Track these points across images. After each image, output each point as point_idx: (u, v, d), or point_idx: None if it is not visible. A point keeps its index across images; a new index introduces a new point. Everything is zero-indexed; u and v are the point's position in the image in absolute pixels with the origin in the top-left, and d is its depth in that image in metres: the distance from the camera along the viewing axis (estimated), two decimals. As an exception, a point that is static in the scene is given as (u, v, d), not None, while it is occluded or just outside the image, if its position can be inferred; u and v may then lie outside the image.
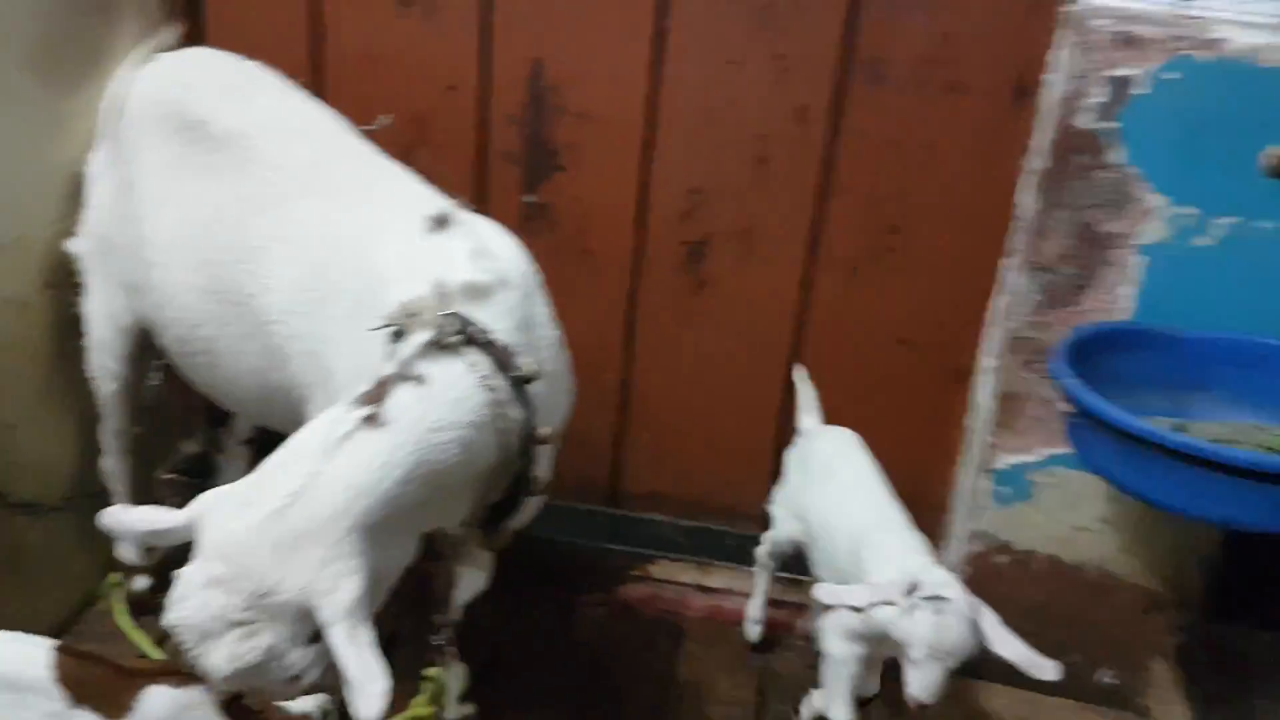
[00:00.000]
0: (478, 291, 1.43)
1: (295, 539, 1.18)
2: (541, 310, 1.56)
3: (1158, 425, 1.73)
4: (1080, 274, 1.99)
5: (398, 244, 1.52)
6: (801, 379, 2.24)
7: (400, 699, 1.95)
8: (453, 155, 2.34)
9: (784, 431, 2.45)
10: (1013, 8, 2.05)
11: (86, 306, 2.00)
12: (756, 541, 2.54)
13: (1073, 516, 2.17)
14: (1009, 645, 1.59)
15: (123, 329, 1.96)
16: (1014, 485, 2.18)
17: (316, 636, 1.19)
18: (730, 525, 2.56)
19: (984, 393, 2.24)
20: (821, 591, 1.73)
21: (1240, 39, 1.83)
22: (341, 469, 1.23)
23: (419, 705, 1.74)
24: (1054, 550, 2.21)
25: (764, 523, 2.58)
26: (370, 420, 1.27)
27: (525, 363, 1.41)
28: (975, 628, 1.59)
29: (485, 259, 1.48)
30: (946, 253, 2.24)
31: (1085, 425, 1.66)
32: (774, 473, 2.51)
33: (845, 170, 2.22)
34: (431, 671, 1.78)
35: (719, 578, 2.43)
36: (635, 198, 2.30)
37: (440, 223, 1.52)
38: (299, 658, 1.20)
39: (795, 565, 2.43)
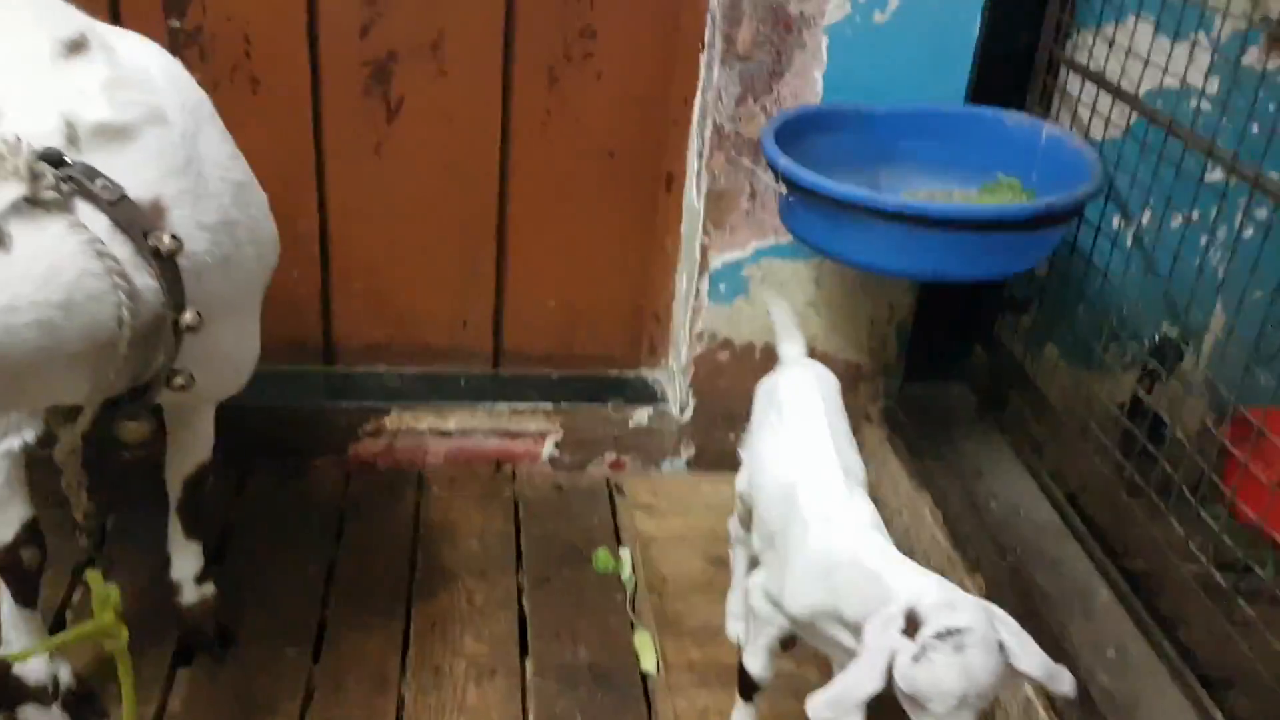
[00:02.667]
0: (114, 133, 1.19)
1: None
2: (215, 149, 1.33)
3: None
4: (775, 61, 2.01)
5: (21, 72, 1.23)
6: (776, 304, 1.87)
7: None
8: (71, -23, 1.96)
9: (505, 254, 2.36)
10: None
11: None
12: (491, 380, 2.48)
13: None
14: (1032, 658, 1.21)
15: None
16: (729, 282, 2.23)
17: None
18: (463, 366, 2.46)
19: (693, 195, 2.25)
20: (815, 708, 1.22)
21: None
22: None
23: (103, 618, 1.48)
24: (770, 339, 2.29)
25: (499, 361, 2.52)
26: None
27: (172, 225, 1.20)
28: (1000, 650, 1.19)
29: (128, 90, 1.23)
30: (644, 55, 2.19)
31: (803, 204, 1.70)
32: (498, 304, 2.44)
33: (531, -33, 2.09)
34: (90, 577, 1.47)
35: (456, 419, 2.34)
36: (303, 12, 2.05)
37: (75, 47, 1.24)
38: None
39: (533, 395, 2.41)
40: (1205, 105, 2.11)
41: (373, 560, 2.05)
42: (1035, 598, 1.74)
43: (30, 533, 1.47)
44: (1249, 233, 2.17)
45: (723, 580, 2.06)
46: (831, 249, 1.76)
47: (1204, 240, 2.18)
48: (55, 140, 1.16)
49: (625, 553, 2.13)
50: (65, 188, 1.12)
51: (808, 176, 1.65)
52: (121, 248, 1.15)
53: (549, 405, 2.37)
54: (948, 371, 2.41)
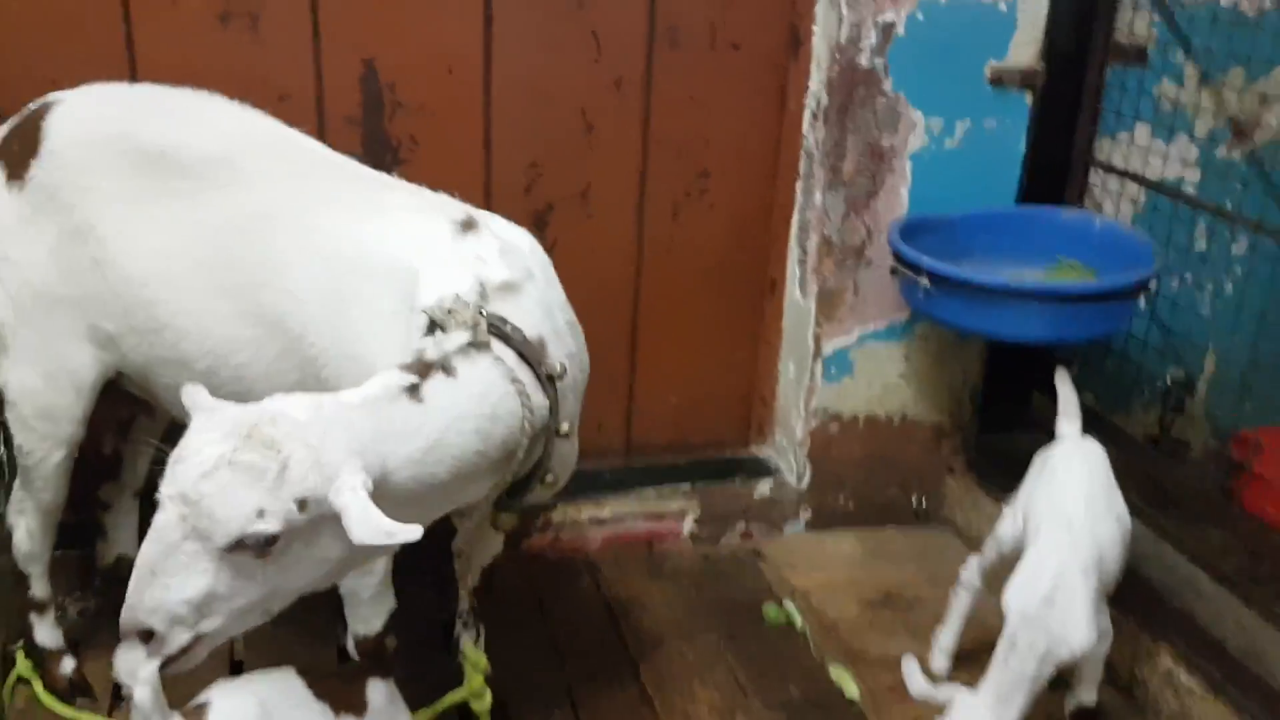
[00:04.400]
0: (511, 288, 1.58)
1: (332, 427, 1.30)
2: (559, 295, 1.72)
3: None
4: (871, 184, 2.49)
5: (433, 247, 1.60)
6: (1063, 381, 2.14)
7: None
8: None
9: (636, 362, 2.74)
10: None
11: (11, 375, 1.80)
12: (628, 471, 2.82)
13: (881, 379, 2.71)
14: None
15: (84, 387, 1.79)
16: (839, 365, 2.66)
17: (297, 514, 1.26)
18: (598, 462, 2.80)
19: (795, 295, 2.68)
20: (912, 684, 1.85)
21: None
22: (383, 419, 1.36)
23: (474, 681, 1.82)
24: (870, 410, 2.74)
25: (629, 453, 2.87)
26: (413, 391, 1.41)
27: (552, 357, 1.57)
28: None
29: (513, 256, 1.62)
30: (749, 186, 2.65)
31: (946, 294, 2.15)
32: (630, 406, 2.80)
33: (658, 128, 2.53)
34: (467, 648, 1.88)
35: (610, 508, 2.68)
36: (481, 179, 2.44)
37: (467, 225, 1.63)
38: (274, 507, 1.24)
39: (670, 479, 2.77)
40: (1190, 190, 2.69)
41: (585, 634, 2.36)
42: (1155, 588, 2.16)
43: (394, 621, 1.77)
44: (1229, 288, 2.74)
45: (883, 619, 2.44)
46: (972, 326, 2.22)
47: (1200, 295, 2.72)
48: (473, 296, 1.54)
49: (789, 605, 2.48)
50: (491, 333, 1.49)
51: (958, 272, 2.11)
52: (525, 374, 1.54)
53: (687, 486, 2.73)
54: (1012, 423, 2.86)
